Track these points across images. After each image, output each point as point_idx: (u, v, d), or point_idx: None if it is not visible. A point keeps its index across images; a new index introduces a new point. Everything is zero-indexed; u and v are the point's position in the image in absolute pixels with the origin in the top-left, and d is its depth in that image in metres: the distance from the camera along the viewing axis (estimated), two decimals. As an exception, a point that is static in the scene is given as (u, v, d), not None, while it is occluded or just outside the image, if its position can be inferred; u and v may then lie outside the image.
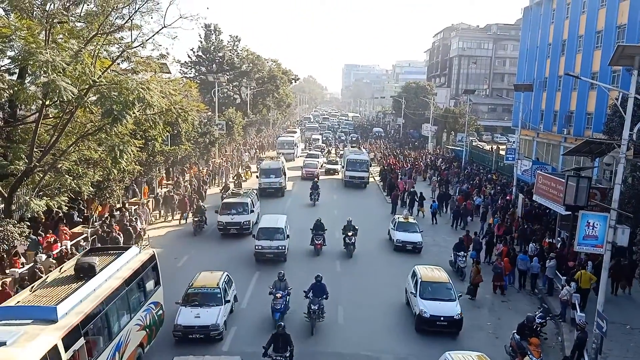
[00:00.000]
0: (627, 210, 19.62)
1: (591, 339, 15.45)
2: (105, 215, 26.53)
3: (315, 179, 40.17)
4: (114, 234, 23.18)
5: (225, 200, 29.98)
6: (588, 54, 40.48)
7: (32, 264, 18.72)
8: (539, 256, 23.02)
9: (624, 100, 19.76)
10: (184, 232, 29.76)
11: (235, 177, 43.07)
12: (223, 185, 39.74)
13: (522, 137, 45.58)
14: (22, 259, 19.51)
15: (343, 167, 46.67)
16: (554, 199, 24.49)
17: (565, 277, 20.40)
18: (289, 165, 50.95)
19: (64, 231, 22.69)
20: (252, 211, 29.00)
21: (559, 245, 24.57)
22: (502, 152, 46.48)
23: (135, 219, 26.53)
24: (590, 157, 26.52)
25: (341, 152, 59.86)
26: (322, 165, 52.08)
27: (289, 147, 60.37)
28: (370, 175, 46.72)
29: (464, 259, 23.44)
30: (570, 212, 22.18)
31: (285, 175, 40.67)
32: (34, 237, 20.54)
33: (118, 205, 28.55)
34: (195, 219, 29.39)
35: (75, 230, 24.12)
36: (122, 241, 22.99)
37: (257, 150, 63.76)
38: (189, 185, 37.18)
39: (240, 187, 38.97)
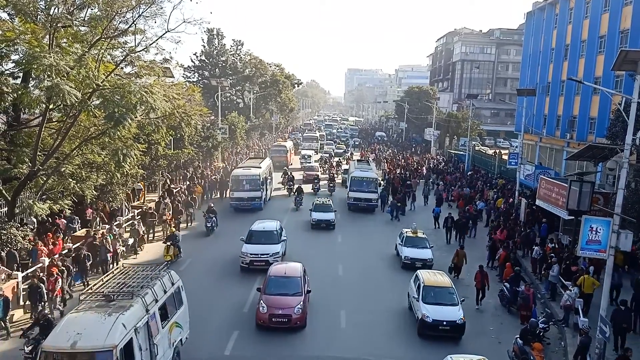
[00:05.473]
0: (630, 215, 19.58)
1: (594, 344, 15.40)
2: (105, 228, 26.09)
3: None
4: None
5: None
6: (591, 59, 40.45)
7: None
8: (542, 260, 22.94)
9: (626, 105, 19.71)
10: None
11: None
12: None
13: (525, 142, 45.53)
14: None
15: (347, 186, 38.48)
16: (557, 203, 24.47)
17: (568, 282, 20.32)
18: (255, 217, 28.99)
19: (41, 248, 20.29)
20: None
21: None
22: (505, 157, 46.41)
23: (137, 222, 26.55)
24: (593, 161, 26.52)
25: (345, 167, 49.41)
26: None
27: (252, 188, 33.46)
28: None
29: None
30: (573, 217, 22.13)
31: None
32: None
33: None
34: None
35: (77, 234, 24.16)
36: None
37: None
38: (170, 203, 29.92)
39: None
